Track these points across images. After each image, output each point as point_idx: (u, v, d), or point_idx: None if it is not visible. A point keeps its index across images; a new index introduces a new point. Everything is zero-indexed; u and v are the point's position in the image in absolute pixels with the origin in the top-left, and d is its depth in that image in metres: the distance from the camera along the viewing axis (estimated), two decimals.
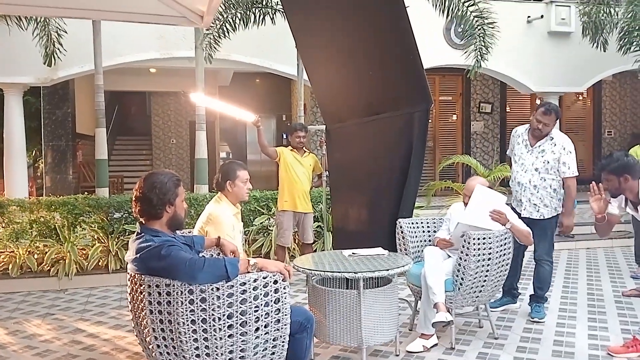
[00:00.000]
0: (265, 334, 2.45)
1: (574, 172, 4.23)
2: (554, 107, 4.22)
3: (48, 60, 6.65)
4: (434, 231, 4.32)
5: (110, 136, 13.22)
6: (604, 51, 8.08)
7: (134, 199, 2.51)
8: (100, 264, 5.86)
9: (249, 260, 2.44)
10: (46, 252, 5.78)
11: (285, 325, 2.50)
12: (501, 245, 3.81)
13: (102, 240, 5.98)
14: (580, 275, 5.89)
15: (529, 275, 5.13)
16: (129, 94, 14.54)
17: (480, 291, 3.81)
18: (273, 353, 2.51)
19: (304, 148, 5.50)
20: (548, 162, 4.22)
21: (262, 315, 2.42)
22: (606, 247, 7.43)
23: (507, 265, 3.93)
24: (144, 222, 2.52)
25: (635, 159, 3.38)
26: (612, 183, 3.36)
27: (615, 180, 3.33)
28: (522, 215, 4.25)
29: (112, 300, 5.21)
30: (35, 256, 5.85)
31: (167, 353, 2.42)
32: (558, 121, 4.53)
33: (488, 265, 3.73)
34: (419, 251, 4.20)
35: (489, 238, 3.72)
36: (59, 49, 6.67)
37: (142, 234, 2.47)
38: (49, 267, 5.69)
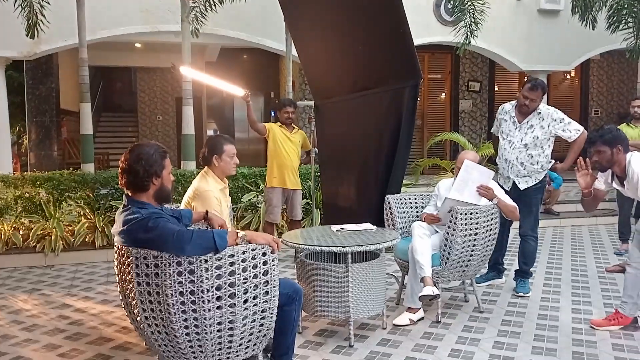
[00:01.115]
0: (254, 305, 2.45)
1: (579, 129, 4.21)
2: (540, 83, 4.22)
3: (30, 32, 6.47)
4: (422, 207, 4.34)
5: (95, 113, 13.03)
6: (593, 29, 8.07)
7: (119, 170, 2.48)
8: (87, 240, 5.82)
9: (237, 233, 2.43)
10: (32, 228, 5.73)
11: (274, 297, 2.50)
12: (488, 221, 3.84)
13: (89, 217, 5.94)
14: (565, 252, 5.97)
15: (514, 251, 5.20)
16: (114, 70, 14.32)
17: (467, 266, 3.85)
18: (262, 325, 2.52)
19: (292, 124, 5.46)
20: (537, 137, 4.24)
21: (250, 287, 2.42)
22: (590, 224, 7.53)
23: (493, 240, 3.97)
24: (130, 194, 2.49)
25: (624, 133, 3.41)
26: (605, 155, 3.35)
27: (609, 152, 3.34)
28: (507, 190, 4.28)
29: (100, 276, 5.18)
30: (21, 232, 5.80)
31: (156, 325, 2.42)
32: (545, 97, 4.53)
33: (475, 240, 3.76)
34: (406, 227, 4.22)
35: (476, 213, 3.74)
36: (41, 21, 6.50)
37: (129, 206, 2.45)
38: (34, 244, 5.64)
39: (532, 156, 4.26)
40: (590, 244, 6.36)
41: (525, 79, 4.43)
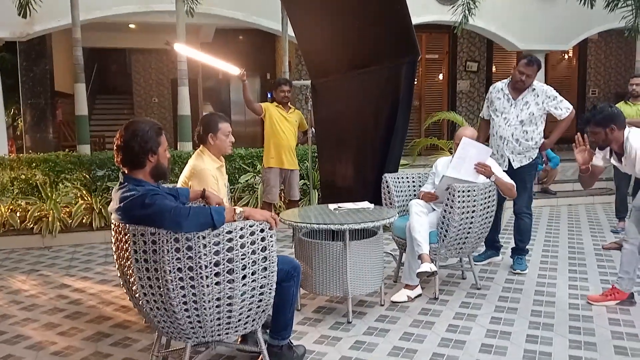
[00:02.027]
0: (252, 281, 2.45)
1: (569, 108, 4.30)
2: (535, 59, 4.23)
3: (22, 11, 6.38)
4: (420, 186, 4.34)
5: (90, 95, 12.89)
6: (591, 8, 7.99)
7: (115, 147, 2.46)
8: (84, 221, 5.81)
9: (235, 209, 2.42)
10: (29, 210, 5.71)
11: (272, 273, 2.50)
12: (485, 198, 3.84)
13: (86, 198, 5.92)
14: (562, 230, 6.00)
15: (511, 229, 5.21)
16: (109, 52, 14.15)
17: (464, 243, 3.86)
18: (260, 300, 2.52)
19: (289, 104, 5.42)
20: (533, 113, 4.25)
21: (249, 263, 2.42)
22: (587, 203, 7.56)
23: (490, 217, 3.98)
24: (126, 171, 2.47)
25: (619, 109, 3.39)
26: (599, 135, 3.36)
27: (602, 132, 3.34)
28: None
29: (98, 257, 5.19)
30: (18, 214, 5.78)
31: (154, 301, 2.42)
32: (543, 77, 4.52)
33: (472, 217, 3.77)
34: (404, 205, 4.22)
35: (474, 191, 3.74)
36: (34, 0, 6.40)
37: (125, 184, 2.43)
38: (32, 225, 5.63)
39: (527, 132, 4.28)
40: (587, 222, 6.39)
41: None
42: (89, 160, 6.04)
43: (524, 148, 4.30)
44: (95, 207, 5.79)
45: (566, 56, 12.03)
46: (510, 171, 4.27)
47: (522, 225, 4.44)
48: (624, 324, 3.33)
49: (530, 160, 4.35)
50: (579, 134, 3.45)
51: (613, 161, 3.48)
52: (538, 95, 4.26)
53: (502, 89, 4.40)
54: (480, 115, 4.65)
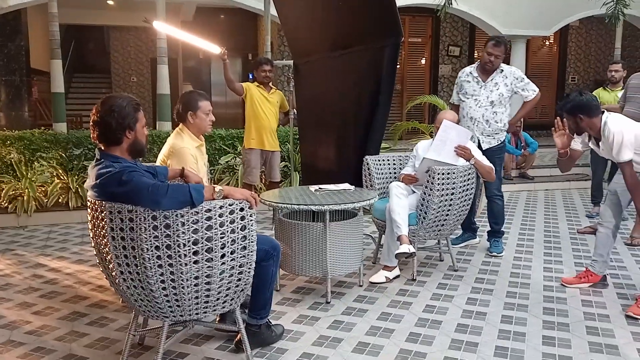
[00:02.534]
0: (231, 260, 2.44)
1: (535, 90, 4.43)
2: (503, 40, 4.35)
3: None
4: (400, 168, 4.35)
5: (67, 73, 12.58)
6: None
7: (91, 123, 2.40)
8: (60, 201, 5.72)
9: (214, 187, 2.39)
10: (3, 189, 5.59)
11: (251, 252, 2.49)
12: (465, 181, 3.87)
13: (62, 177, 5.81)
14: (538, 214, 6.09)
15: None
16: (87, 29, 13.81)
17: (443, 225, 3.89)
18: (239, 280, 2.51)
19: (270, 84, 5.37)
20: (502, 94, 4.36)
21: (228, 242, 2.40)
22: (564, 189, 7.68)
23: (469, 200, 4.01)
24: (103, 148, 2.42)
25: (592, 96, 3.38)
26: (571, 123, 3.40)
27: (572, 120, 3.38)
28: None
29: (74, 237, 5.12)
30: None
31: (131, 280, 2.39)
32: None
33: (451, 200, 3.80)
34: (384, 187, 4.23)
35: (453, 173, 3.77)
36: None
37: (102, 160, 2.38)
38: (6, 204, 5.52)
39: (496, 113, 4.38)
40: (563, 207, 6.50)
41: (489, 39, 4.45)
42: (65, 139, 5.92)
43: (493, 129, 4.40)
44: (71, 187, 5.69)
45: (547, 42, 12.11)
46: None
47: (495, 207, 4.52)
48: (596, 306, 3.41)
49: (499, 142, 4.46)
50: (558, 118, 3.48)
51: (591, 145, 3.52)
52: (507, 77, 4.37)
53: (470, 73, 4.48)
54: (450, 101, 4.72)
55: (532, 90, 4.40)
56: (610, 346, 2.86)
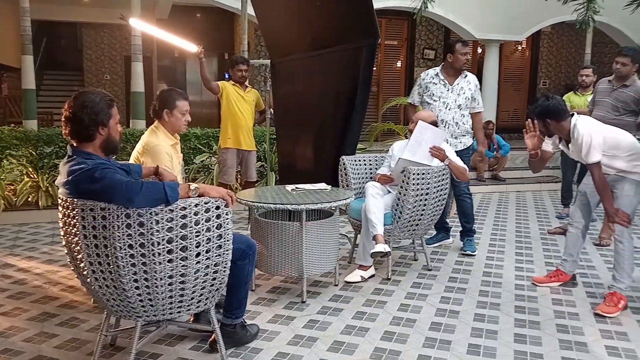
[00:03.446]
0: (206, 259, 2.42)
1: (482, 106, 4.65)
2: (464, 40, 4.54)
3: None
4: (376, 168, 4.38)
5: (38, 70, 12.32)
6: (546, 0, 8.22)
7: (63, 119, 2.35)
8: (30, 200, 5.59)
9: (190, 185, 2.36)
10: None
11: (227, 251, 2.47)
12: (439, 181, 3.91)
13: (32, 176, 5.69)
14: (510, 215, 6.20)
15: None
16: (59, 25, 13.55)
17: (417, 225, 3.93)
18: (214, 279, 2.49)
19: (246, 83, 5.34)
20: (468, 98, 4.49)
21: (203, 241, 2.38)
22: (535, 190, 7.83)
23: (443, 200, 4.06)
24: (75, 144, 2.37)
25: (560, 101, 3.44)
26: (541, 126, 3.45)
27: (541, 124, 3.44)
28: None
29: (44, 236, 5.00)
30: None
31: (104, 279, 2.35)
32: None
33: (426, 200, 3.84)
34: (361, 187, 4.25)
35: (428, 174, 3.80)
36: None
37: (74, 157, 2.33)
38: None
39: (464, 116, 4.50)
40: (533, 208, 6.62)
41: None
42: (35, 136, 5.79)
43: (461, 131, 4.50)
44: (42, 185, 5.57)
45: (520, 47, 12.35)
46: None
47: (465, 206, 4.60)
48: (566, 304, 3.48)
49: (465, 146, 4.58)
50: (529, 120, 3.54)
51: (561, 147, 3.60)
52: (470, 82, 4.51)
53: (437, 75, 4.53)
54: (409, 100, 4.75)
55: (480, 103, 4.58)
56: (580, 343, 2.93)
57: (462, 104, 4.46)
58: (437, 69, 4.57)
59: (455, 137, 4.49)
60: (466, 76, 4.50)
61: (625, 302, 3.36)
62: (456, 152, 4.43)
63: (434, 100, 4.49)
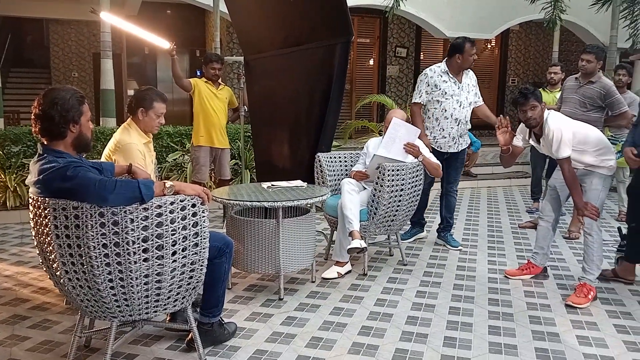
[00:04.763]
0: (182, 258, 2.39)
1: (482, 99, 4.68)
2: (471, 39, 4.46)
3: None
4: (351, 165, 4.40)
5: (2, 67, 12.01)
6: None
7: (32, 116, 2.29)
8: None
9: (165, 183, 2.33)
10: None
11: (203, 249, 2.45)
12: (413, 177, 3.96)
13: None
14: (482, 210, 6.30)
15: (435, 207, 5.40)
16: (25, 21, 13.18)
17: (393, 220, 3.97)
18: (191, 278, 2.47)
19: (219, 80, 5.30)
20: (476, 94, 4.54)
21: (179, 239, 2.35)
22: (505, 186, 7.98)
23: (417, 195, 4.11)
24: (45, 142, 2.32)
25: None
26: (537, 109, 3.43)
27: (539, 106, 3.47)
28: (450, 151, 4.49)
29: (13, 237, 4.86)
30: None
31: (77, 279, 2.30)
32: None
33: (400, 195, 3.88)
34: (336, 184, 4.26)
35: (402, 170, 3.84)
36: None
37: (45, 155, 2.28)
38: None
39: (469, 113, 4.53)
40: (504, 203, 6.75)
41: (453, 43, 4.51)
42: (2, 135, 5.62)
43: (466, 129, 4.54)
44: (9, 185, 5.42)
45: (489, 45, 12.56)
46: (454, 155, 4.54)
47: (452, 202, 4.69)
48: (538, 296, 3.56)
49: (467, 144, 4.64)
50: (501, 116, 3.61)
51: (532, 142, 3.68)
52: (471, 78, 4.55)
53: (445, 72, 4.39)
54: (415, 100, 4.46)
55: (480, 97, 4.60)
56: (552, 334, 3.00)
57: (472, 101, 4.49)
58: (442, 65, 4.42)
59: (461, 136, 4.50)
60: (468, 73, 4.52)
61: (595, 293, 3.46)
62: (460, 150, 4.51)
63: (446, 99, 4.35)
